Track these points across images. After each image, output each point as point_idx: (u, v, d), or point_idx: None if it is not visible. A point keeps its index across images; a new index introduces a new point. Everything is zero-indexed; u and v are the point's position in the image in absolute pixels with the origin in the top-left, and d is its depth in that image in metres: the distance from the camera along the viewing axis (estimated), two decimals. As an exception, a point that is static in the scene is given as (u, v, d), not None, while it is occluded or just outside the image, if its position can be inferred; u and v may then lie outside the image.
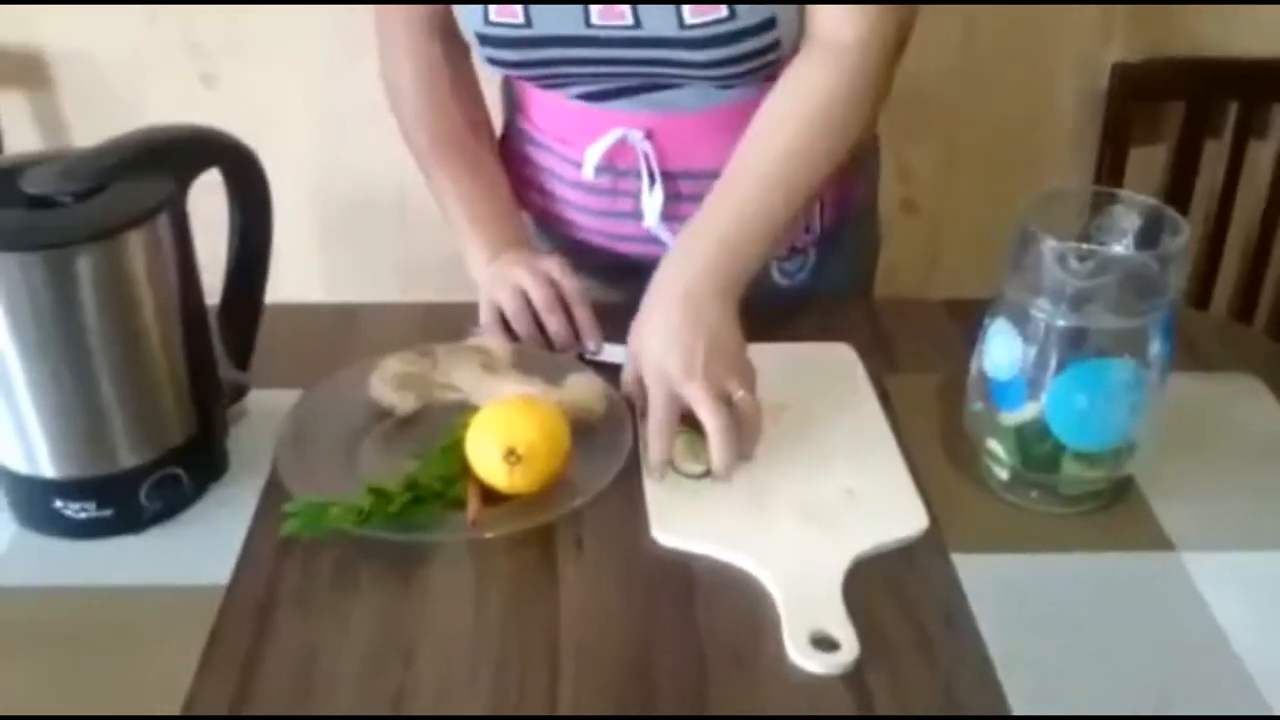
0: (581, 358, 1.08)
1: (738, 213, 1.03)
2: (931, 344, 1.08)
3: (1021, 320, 0.88)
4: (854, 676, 0.78)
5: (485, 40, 1.09)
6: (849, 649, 0.79)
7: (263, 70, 1.81)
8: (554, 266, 1.11)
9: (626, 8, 1.04)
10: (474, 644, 0.81)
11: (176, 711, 0.75)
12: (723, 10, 1.02)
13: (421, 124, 1.20)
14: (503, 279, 1.11)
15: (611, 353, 1.07)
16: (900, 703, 0.77)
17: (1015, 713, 0.76)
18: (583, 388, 1.00)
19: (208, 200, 0.93)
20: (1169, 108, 1.93)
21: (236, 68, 1.81)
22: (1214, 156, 1.94)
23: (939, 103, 1.91)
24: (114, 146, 0.87)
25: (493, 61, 1.12)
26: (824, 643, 0.80)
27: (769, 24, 1.04)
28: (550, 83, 1.15)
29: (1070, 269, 0.85)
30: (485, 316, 1.11)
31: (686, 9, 1.02)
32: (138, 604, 0.83)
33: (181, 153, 0.89)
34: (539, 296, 1.09)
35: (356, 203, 1.93)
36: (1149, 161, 1.96)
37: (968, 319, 0.96)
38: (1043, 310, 0.86)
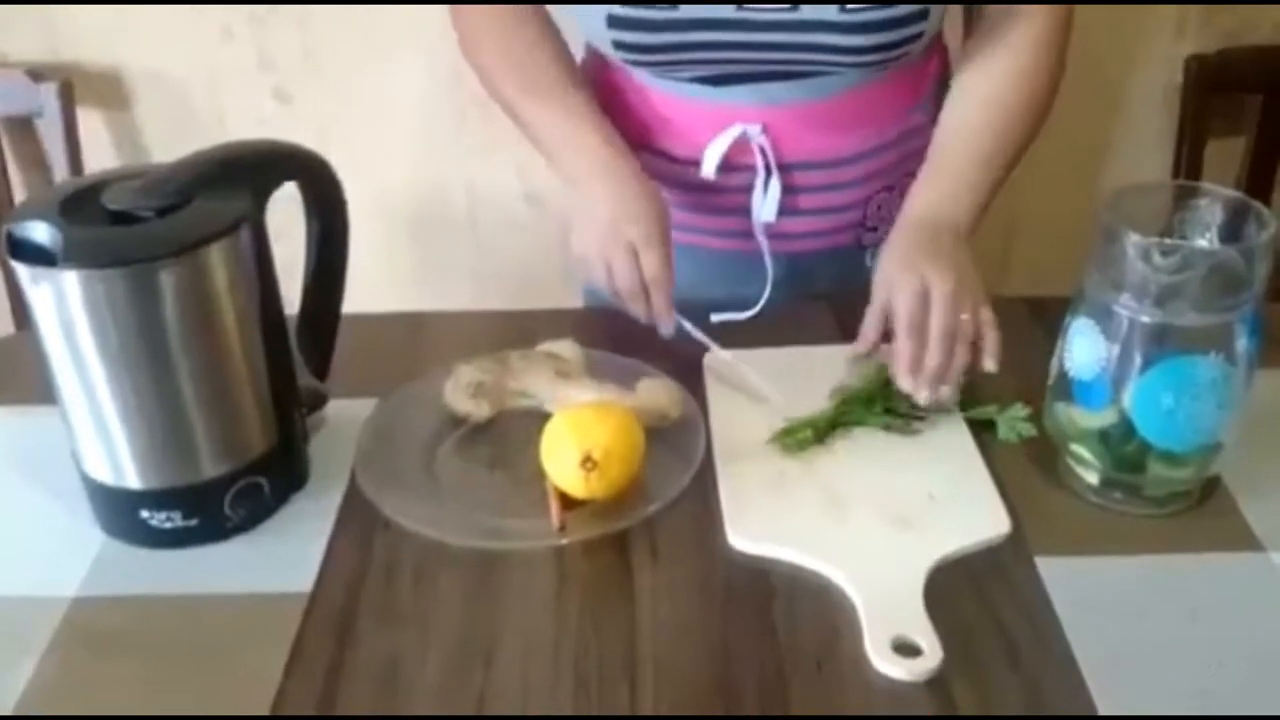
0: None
1: (982, 166, 1.09)
2: (1011, 343, 1.06)
3: (1104, 318, 0.87)
4: (937, 682, 0.77)
5: (619, 23, 1.06)
6: (932, 655, 0.78)
7: (335, 85, 1.83)
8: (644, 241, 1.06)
9: None
10: (554, 649, 0.81)
11: (263, 716, 0.76)
12: None
13: (508, 75, 1.16)
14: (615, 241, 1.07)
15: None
16: (985, 708, 0.76)
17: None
18: (656, 392, 1.00)
19: (283, 213, 0.94)
20: (1247, 100, 1.89)
21: (309, 84, 1.83)
22: (1294, 149, 1.90)
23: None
24: (193, 162, 0.88)
25: (621, 46, 1.08)
26: (906, 648, 0.79)
27: (921, 15, 1.04)
28: (669, 67, 1.12)
29: (1154, 264, 0.83)
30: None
31: None
32: (223, 611, 0.85)
33: (259, 167, 0.90)
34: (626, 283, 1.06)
35: (427, 213, 1.94)
36: (1227, 155, 1.92)
37: (1048, 318, 0.95)
38: (1126, 307, 0.85)
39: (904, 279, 0.99)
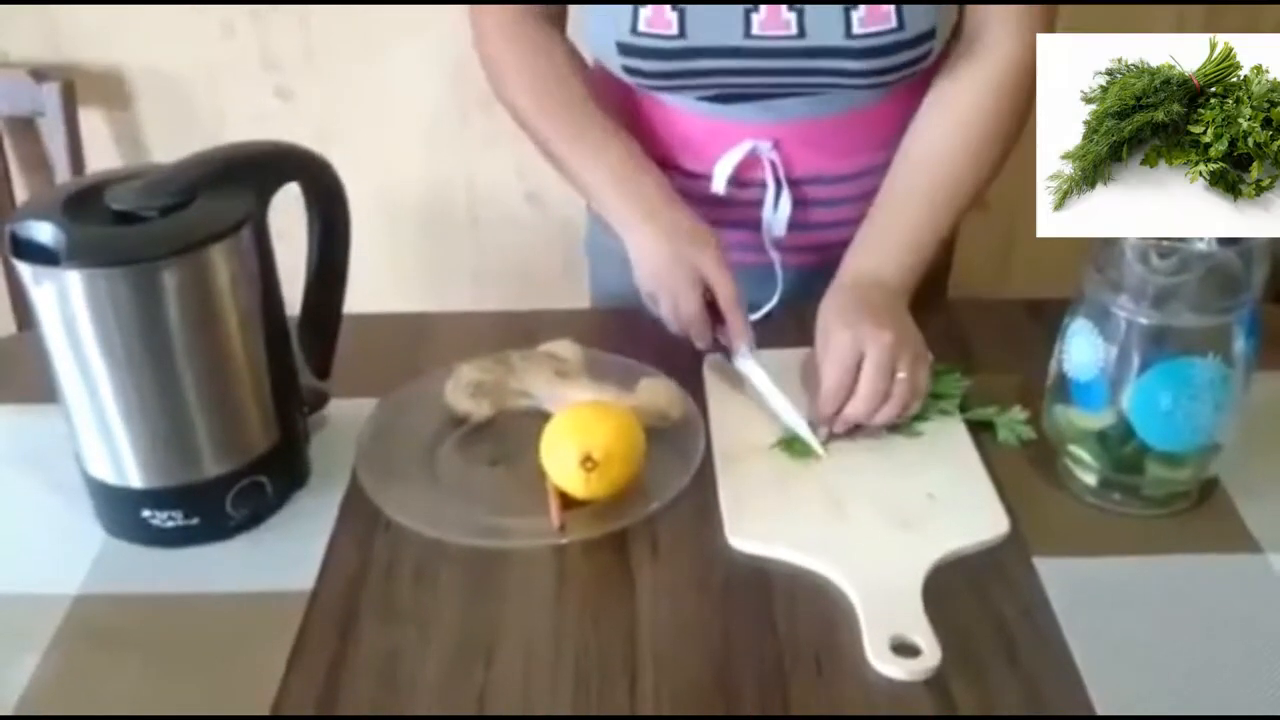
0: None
1: (927, 224, 1.08)
2: (1010, 345, 1.07)
3: (1102, 319, 0.87)
4: (936, 682, 0.78)
5: (629, 50, 1.06)
6: (930, 655, 0.78)
7: (336, 83, 1.83)
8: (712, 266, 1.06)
9: (792, 17, 1.03)
10: (554, 648, 0.81)
11: (265, 714, 0.76)
12: (892, 21, 1.01)
13: (543, 117, 1.15)
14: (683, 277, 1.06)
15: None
16: (984, 707, 0.76)
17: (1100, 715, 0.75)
18: (656, 392, 1.00)
19: (286, 214, 0.95)
20: (1246, 100, 1.89)
21: (311, 82, 1.83)
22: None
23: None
24: (196, 162, 0.88)
25: (630, 71, 1.08)
26: (905, 648, 0.79)
27: (929, 35, 1.03)
28: (680, 90, 1.12)
29: (1152, 266, 0.83)
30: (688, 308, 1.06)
31: (855, 19, 1.01)
32: (225, 610, 0.85)
33: (262, 167, 0.91)
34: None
35: (428, 212, 1.95)
36: (1226, 155, 1.92)
37: (1047, 319, 0.95)
38: (1124, 308, 0.85)
39: (838, 336, 0.99)
